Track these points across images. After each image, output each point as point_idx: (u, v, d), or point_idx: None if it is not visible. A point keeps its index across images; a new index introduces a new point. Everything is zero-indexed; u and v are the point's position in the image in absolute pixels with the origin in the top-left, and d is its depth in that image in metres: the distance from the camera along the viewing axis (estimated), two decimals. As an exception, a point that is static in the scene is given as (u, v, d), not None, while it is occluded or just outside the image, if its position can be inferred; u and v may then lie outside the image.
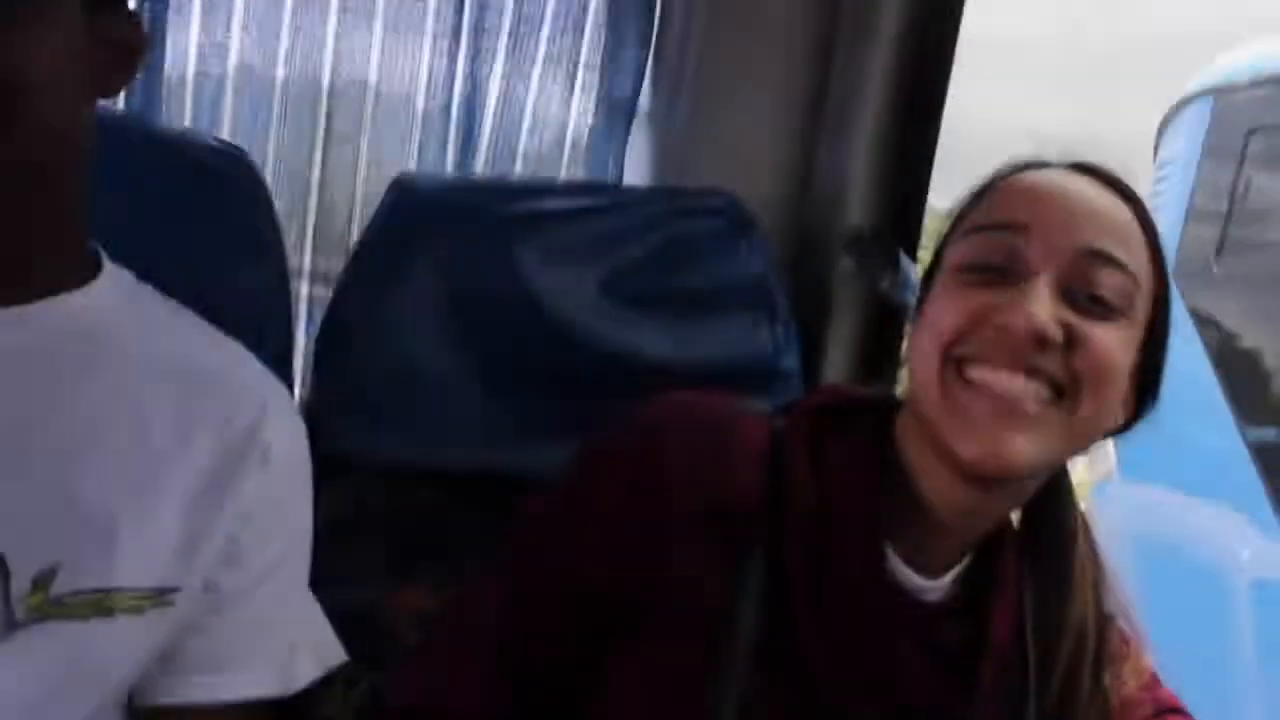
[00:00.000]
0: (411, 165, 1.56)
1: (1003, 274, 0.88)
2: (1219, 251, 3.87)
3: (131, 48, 0.89)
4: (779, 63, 1.56)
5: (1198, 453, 3.62)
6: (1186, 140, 4.10)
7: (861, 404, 1.02)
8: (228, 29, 1.50)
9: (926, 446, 0.91)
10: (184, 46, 1.49)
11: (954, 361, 0.88)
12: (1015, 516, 1.00)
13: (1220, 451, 3.60)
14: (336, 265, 1.48)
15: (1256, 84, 3.88)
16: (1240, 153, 3.82)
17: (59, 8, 0.81)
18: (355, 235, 1.52)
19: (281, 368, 1.23)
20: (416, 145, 1.57)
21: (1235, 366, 3.75)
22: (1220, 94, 4.00)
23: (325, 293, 1.47)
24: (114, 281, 0.94)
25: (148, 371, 0.91)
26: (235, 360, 0.98)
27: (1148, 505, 3.76)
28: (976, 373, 0.87)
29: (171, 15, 1.47)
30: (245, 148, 1.28)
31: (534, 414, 1.30)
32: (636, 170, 1.61)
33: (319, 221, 1.55)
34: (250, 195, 1.24)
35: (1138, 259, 0.90)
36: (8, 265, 0.87)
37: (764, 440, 0.96)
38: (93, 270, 0.93)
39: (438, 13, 1.55)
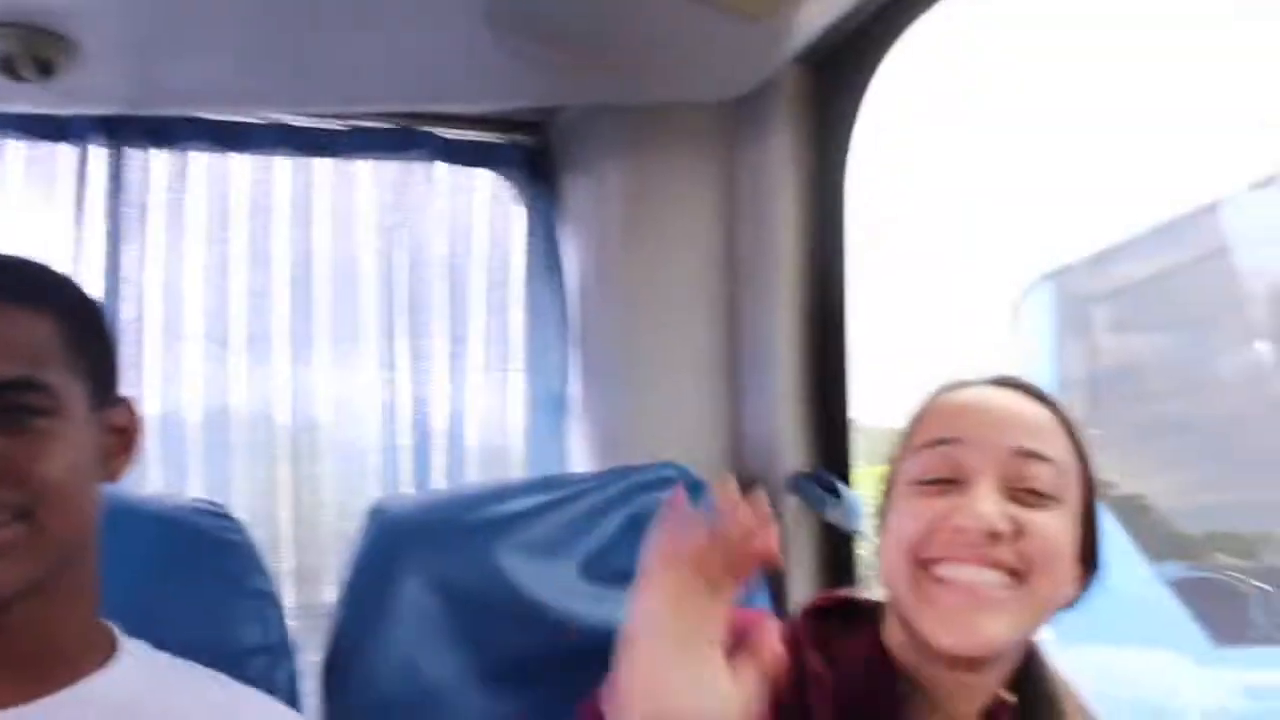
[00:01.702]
0: (372, 491, 1.65)
1: (951, 483, 1.01)
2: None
3: (131, 433, 0.99)
4: (693, 338, 1.71)
5: (1122, 602, 3.78)
6: (1039, 319, 4.44)
7: (857, 605, 1.11)
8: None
9: (908, 641, 1.02)
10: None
11: (921, 564, 1.00)
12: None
13: (1140, 596, 3.77)
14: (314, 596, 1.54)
15: (1089, 263, 4.29)
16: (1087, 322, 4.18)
17: (70, 410, 0.91)
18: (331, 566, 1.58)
19: (291, 705, 1.29)
20: (376, 471, 1.67)
21: (1126, 513, 3.97)
22: (1059, 275, 4.38)
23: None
24: (133, 655, 0.99)
25: None
26: (262, 711, 1.04)
27: (1089, 665, 3.85)
28: (944, 570, 0.98)
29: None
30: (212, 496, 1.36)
31: (539, 704, 1.36)
32: (580, 458, 1.73)
33: (299, 558, 1.62)
34: (238, 547, 1.31)
35: (1061, 450, 1.03)
36: (34, 657, 0.92)
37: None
38: (110, 646, 0.98)
39: (378, 349, 1.69)
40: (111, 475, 0.98)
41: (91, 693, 0.94)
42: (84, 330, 0.95)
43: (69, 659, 0.94)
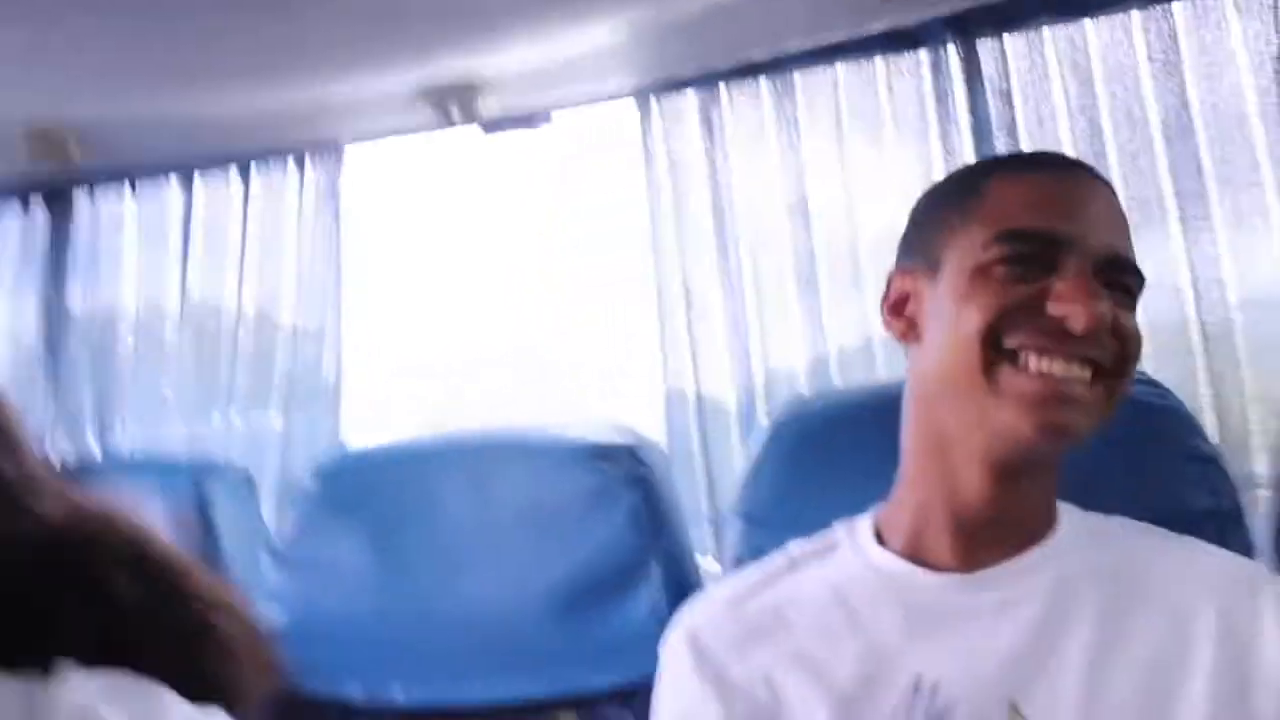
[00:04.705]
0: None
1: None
2: None
3: None
4: None
5: None
6: None
7: None
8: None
9: None
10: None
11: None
12: None
13: None
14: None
15: None
16: None
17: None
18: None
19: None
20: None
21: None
22: None
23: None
24: (1071, 521, 0.99)
25: (1137, 605, 0.93)
26: (1204, 552, 0.98)
27: None
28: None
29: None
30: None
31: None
32: None
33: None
34: (1176, 413, 1.25)
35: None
36: (1019, 517, 0.95)
37: None
38: (1054, 511, 0.99)
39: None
40: None
41: (1046, 555, 0.96)
42: None
43: (1032, 522, 0.97)
